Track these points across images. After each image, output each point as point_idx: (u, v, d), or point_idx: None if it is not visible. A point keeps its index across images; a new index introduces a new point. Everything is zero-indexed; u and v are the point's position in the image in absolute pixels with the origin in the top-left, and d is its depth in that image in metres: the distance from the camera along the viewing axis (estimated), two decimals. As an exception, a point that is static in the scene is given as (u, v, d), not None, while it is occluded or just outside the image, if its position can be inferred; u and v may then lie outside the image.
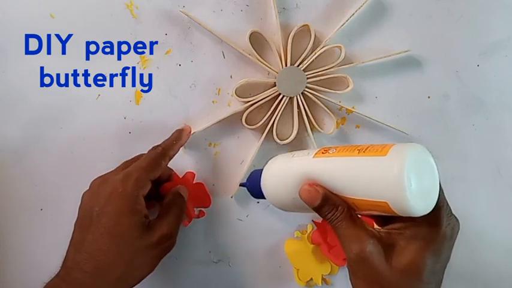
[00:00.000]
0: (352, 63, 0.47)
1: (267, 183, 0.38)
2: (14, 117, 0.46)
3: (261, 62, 0.45)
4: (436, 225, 0.32)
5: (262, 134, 0.46)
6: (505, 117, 0.49)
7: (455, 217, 0.33)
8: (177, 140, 0.43)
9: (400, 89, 0.48)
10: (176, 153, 0.43)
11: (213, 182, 0.48)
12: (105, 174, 0.41)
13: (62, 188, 0.47)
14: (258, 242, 0.48)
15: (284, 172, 0.37)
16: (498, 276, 0.50)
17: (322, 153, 0.34)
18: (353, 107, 0.48)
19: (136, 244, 0.38)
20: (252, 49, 0.45)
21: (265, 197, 0.38)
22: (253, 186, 0.39)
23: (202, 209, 0.47)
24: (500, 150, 0.49)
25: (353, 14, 0.46)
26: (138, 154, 0.44)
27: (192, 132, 0.46)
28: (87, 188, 0.40)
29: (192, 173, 0.47)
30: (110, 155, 0.47)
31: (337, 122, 0.48)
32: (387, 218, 0.35)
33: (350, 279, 0.34)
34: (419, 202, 0.29)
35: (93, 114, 0.46)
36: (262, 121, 0.46)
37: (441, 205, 0.32)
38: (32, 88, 0.46)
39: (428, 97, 0.48)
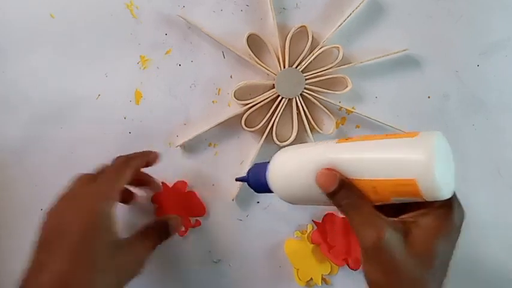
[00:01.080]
0: (351, 63, 0.47)
1: (276, 174, 0.36)
2: (14, 117, 0.46)
3: (259, 64, 0.45)
4: (449, 214, 0.32)
5: (262, 136, 0.46)
6: (505, 117, 0.49)
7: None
8: (143, 154, 0.42)
9: (400, 89, 0.48)
10: (142, 165, 0.41)
11: (213, 182, 0.48)
12: (71, 188, 0.38)
13: (62, 188, 0.47)
14: (258, 242, 0.48)
15: (298, 160, 0.36)
16: (498, 276, 0.50)
17: (345, 140, 0.34)
18: (353, 107, 0.48)
19: (104, 265, 0.35)
20: (250, 51, 0.45)
21: (272, 189, 0.37)
22: (256, 179, 0.38)
23: (199, 218, 0.47)
24: (500, 150, 0.49)
25: (350, 15, 0.46)
26: (104, 165, 0.41)
27: (177, 146, 0.46)
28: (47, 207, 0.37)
29: (184, 182, 0.47)
30: (109, 155, 0.46)
31: (336, 122, 0.48)
32: (397, 211, 0.35)
33: (363, 267, 0.33)
34: (444, 185, 0.30)
35: (93, 114, 0.46)
36: (262, 123, 0.46)
37: (452, 195, 0.32)
38: (32, 88, 0.46)
39: (428, 97, 0.48)
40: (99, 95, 0.46)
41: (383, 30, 0.47)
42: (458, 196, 0.34)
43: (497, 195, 0.50)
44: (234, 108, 0.46)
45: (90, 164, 0.46)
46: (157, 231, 0.41)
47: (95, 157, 0.46)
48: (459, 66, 0.48)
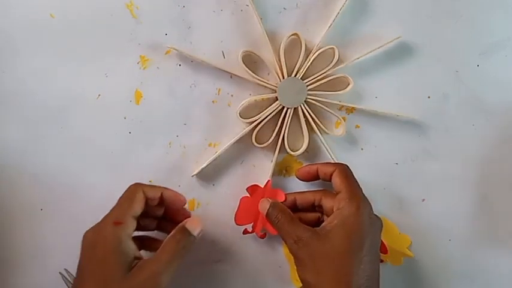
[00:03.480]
0: (347, 62, 0.46)
1: None
2: (14, 117, 0.46)
3: (258, 80, 0.45)
4: (355, 213, 0.40)
5: (275, 150, 0.46)
6: (505, 117, 0.49)
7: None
8: (159, 187, 0.42)
9: (400, 88, 0.48)
10: (155, 194, 0.41)
11: (213, 182, 0.48)
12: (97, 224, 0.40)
13: (62, 188, 0.47)
14: (258, 242, 0.48)
15: None
16: (498, 276, 0.50)
17: None
18: (352, 109, 0.48)
19: (117, 286, 0.36)
20: (247, 69, 0.45)
21: None
22: None
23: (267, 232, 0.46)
24: (501, 150, 0.49)
25: (337, 14, 0.45)
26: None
27: (192, 175, 0.47)
28: (86, 212, 0.40)
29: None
30: (110, 155, 0.47)
31: (336, 122, 0.48)
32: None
33: (299, 275, 0.38)
34: None
35: (93, 114, 0.46)
36: (272, 138, 0.46)
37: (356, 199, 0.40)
38: (32, 88, 0.46)
39: (428, 97, 0.48)
40: (99, 95, 0.46)
41: (382, 30, 0.47)
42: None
43: (497, 196, 0.50)
44: (234, 107, 0.46)
45: (90, 164, 0.47)
46: (177, 241, 0.40)
47: (95, 157, 0.47)
48: (459, 66, 0.48)
